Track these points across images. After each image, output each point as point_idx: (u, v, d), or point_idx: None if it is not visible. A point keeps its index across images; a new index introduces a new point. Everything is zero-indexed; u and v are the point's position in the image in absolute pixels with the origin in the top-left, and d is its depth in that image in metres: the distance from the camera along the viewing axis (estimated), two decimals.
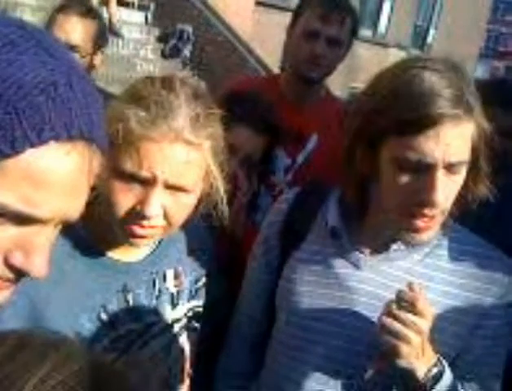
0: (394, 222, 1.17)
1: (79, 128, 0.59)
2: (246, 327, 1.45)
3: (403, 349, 1.07)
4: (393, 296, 1.17)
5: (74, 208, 0.63)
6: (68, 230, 0.67)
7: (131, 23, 8.60)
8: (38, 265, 0.62)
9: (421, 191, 1.08)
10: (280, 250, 1.36)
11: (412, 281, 1.11)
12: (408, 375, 1.11)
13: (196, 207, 1.14)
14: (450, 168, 1.08)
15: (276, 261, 1.36)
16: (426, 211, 1.10)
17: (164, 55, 8.66)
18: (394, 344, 1.07)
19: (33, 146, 0.56)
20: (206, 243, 1.40)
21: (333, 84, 2.25)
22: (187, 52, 8.81)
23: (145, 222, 1.05)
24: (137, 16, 8.89)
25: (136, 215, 1.05)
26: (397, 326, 1.07)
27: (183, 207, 1.09)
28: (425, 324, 1.07)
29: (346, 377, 1.21)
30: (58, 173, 0.59)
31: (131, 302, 1.18)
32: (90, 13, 2.48)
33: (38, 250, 0.62)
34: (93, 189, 0.67)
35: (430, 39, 20.68)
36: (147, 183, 1.04)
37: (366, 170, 1.16)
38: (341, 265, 1.26)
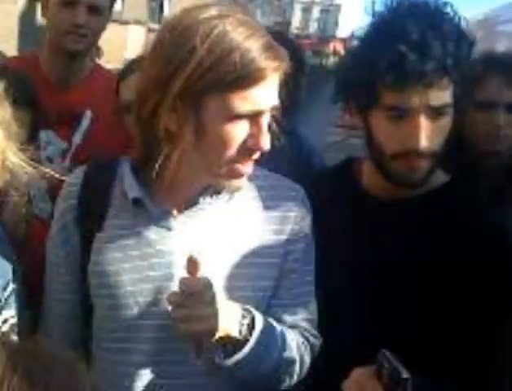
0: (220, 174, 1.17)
1: None
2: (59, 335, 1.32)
3: (193, 326, 1.10)
4: (208, 246, 1.20)
5: None
6: None
7: None
8: None
9: None
10: (80, 236, 1.26)
11: (191, 254, 1.11)
12: (226, 339, 1.14)
13: None
14: None
15: (79, 248, 1.26)
16: None
17: None
18: (180, 327, 1.10)
19: None
20: (5, 243, 1.26)
21: None
22: None
23: None
24: None
25: None
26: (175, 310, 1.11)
27: None
28: (198, 295, 1.09)
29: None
30: None
31: None
32: None
33: None
34: None
35: (166, 11, 21.01)
36: None
37: (173, 128, 1.13)
38: (152, 232, 1.22)
